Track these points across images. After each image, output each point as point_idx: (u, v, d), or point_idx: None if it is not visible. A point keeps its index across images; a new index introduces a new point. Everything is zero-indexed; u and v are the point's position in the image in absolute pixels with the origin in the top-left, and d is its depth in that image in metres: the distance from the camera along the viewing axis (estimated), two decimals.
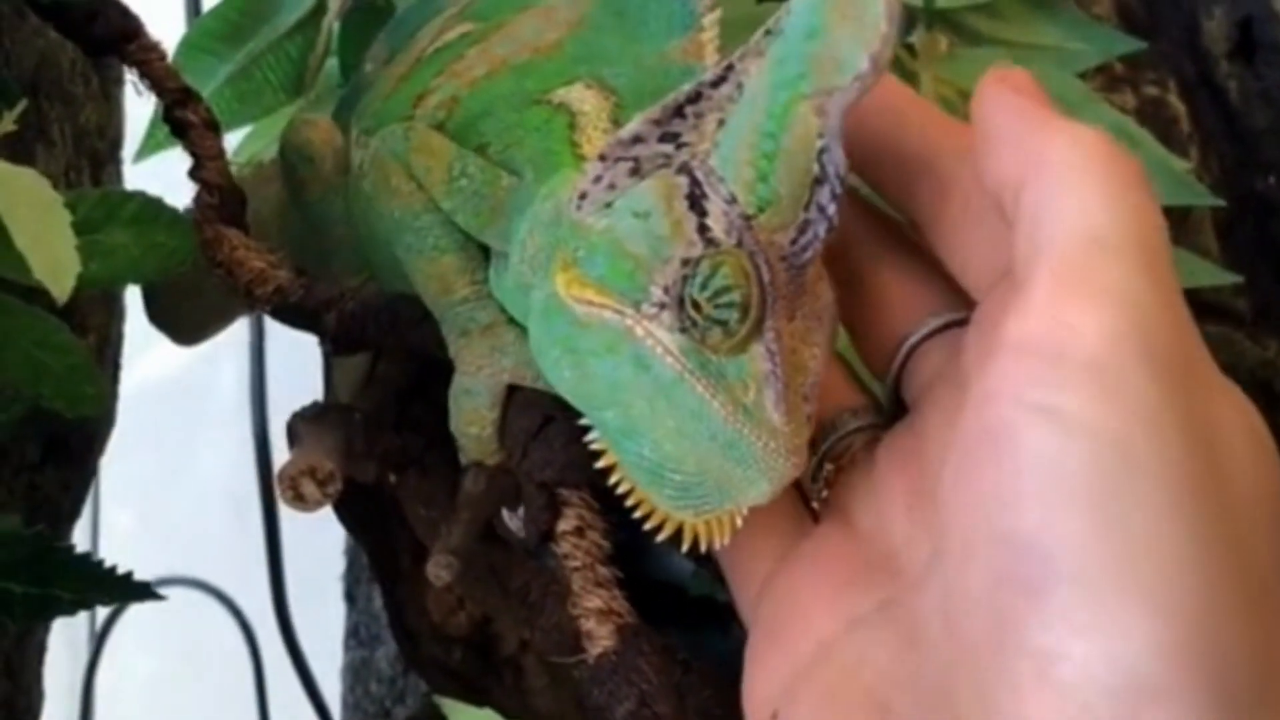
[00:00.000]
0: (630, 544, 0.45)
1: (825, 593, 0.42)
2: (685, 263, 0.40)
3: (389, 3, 0.73)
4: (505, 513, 0.50)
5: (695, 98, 0.42)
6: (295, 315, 0.57)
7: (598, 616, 0.46)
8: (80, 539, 0.88)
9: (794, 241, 0.41)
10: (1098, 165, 0.36)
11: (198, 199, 0.60)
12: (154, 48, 0.61)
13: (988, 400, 0.34)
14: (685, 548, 0.42)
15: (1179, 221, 0.80)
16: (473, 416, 0.50)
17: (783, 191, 0.40)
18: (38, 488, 0.72)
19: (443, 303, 0.50)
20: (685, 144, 0.42)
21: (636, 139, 0.42)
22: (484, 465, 0.51)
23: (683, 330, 0.40)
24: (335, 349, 0.60)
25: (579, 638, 0.46)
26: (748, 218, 0.40)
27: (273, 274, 0.57)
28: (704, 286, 0.40)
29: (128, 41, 0.60)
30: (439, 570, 0.52)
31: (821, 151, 0.40)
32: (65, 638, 1.21)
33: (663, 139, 0.42)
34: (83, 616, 1.25)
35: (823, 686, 0.40)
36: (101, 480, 1.05)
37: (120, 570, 0.56)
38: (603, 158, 0.42)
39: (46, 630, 0.77)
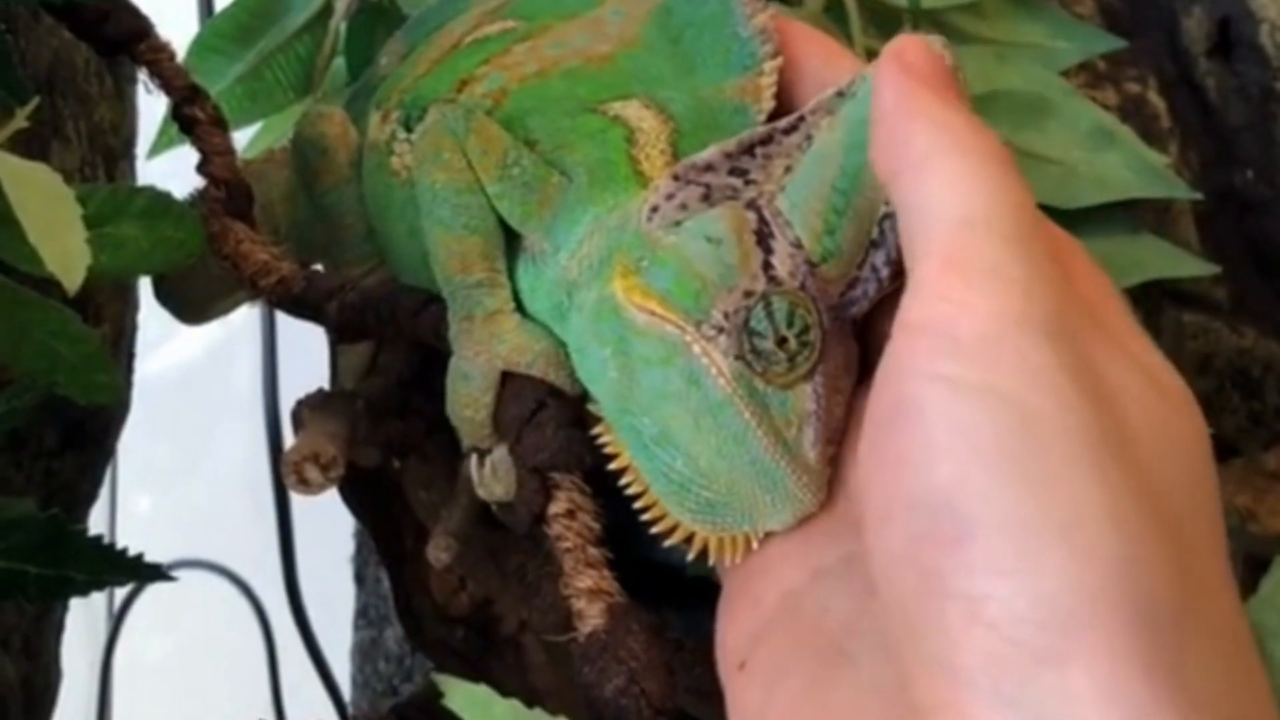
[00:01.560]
0: (628, 526, 0.45)
1: (792, 546, 0.43)
2: (748, 295, 0.42)
3: (394, 4, 0.75)
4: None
5: (767, 140, 0.44)
6: (298, 306, 0.58)
7: (588, 596, 0.46)
8: (99, 522, 0.89)
9: (843, 295, 0.43)
10: (958, 150, 0.37)
11: (204, 192, 0.61)
12: (163, 48, 0.62)
13: (891, 375, 0.36)
14: (692, 556, 0.43)
15: (1160, 214, 0.80)
16: (468, 400, 0.50)
17: (845, 247, 0.42)
18: (55, 473, 0.72)
19: (457, 280, 0.50)
20: (752, 181, 0.44)
21: (709, 167, 0.44)
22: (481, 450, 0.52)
23: (738, 357, 0.42)
24: (338, 338, 0.61)
25: (573, 617, 0.47)
26: (812, 264, 0.42)
27: (276, 266, 0.58)
28: (790, 323, 0.42)
29: (138, 41, 0.62)
30: (438, 552, 0.54)
31: (884, 218, 0.42)
32: (83, 618, 1.22)
33: (732, 172, 0.44)
34: (101, 598, 1.25)
35: (787, 634, 0.41)
36: (120, 466, 1.06)
37: (138, 552, 0.56)
38: (676, 177, 0.44)
39: (64, 611, 0.78)
